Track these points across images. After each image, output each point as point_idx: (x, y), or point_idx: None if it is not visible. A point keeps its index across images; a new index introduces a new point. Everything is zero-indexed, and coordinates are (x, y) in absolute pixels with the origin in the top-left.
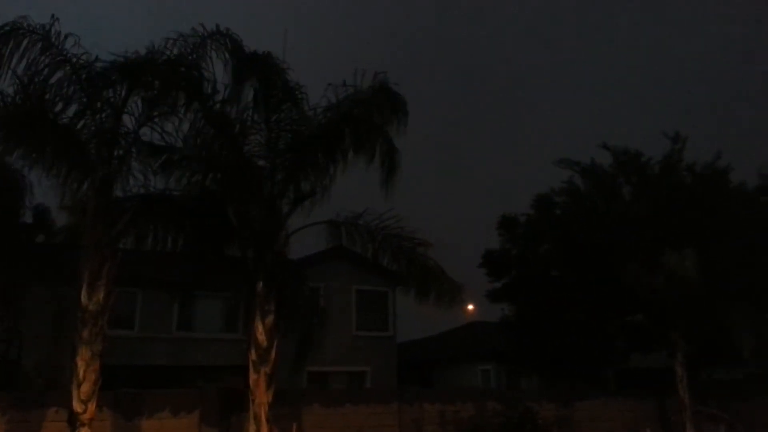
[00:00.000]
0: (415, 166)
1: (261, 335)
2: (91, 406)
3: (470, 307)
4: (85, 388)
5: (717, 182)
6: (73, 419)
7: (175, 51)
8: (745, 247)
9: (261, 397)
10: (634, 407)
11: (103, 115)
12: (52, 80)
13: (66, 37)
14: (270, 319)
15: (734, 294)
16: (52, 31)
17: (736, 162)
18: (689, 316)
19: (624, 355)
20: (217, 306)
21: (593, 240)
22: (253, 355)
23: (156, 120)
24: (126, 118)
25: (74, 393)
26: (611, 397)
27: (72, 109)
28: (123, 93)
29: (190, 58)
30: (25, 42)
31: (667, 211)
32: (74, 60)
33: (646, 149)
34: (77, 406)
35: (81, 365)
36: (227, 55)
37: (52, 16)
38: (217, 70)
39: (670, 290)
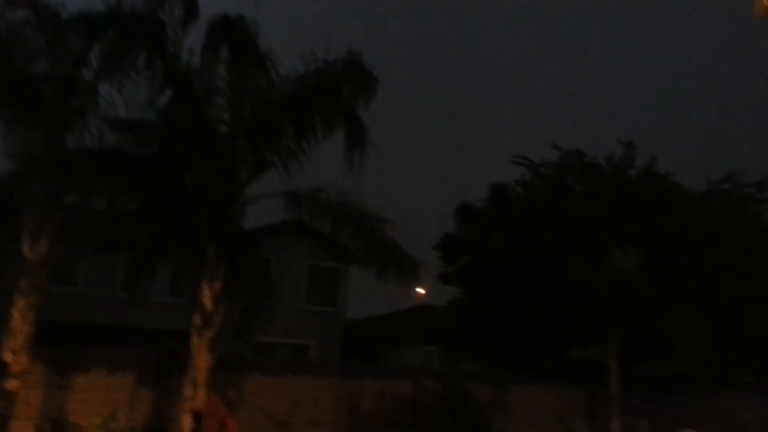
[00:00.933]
0: (380, 146)
1: (207, 300)
2: (23, 359)
3: (421, 290)
4: (19, 339)
5: (663, 186)
6: (2, 369)
7: (140, 7)
8: (685, 250)
9: (201, 362)
10: (567, 395)
11: (62, 63)
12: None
13: None
14: (218, 284)
15: (671, 295)
16: None
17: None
18: (627, 313)
19: (563, 346)
20: (165, 270)
21: (542, 234)
22: (196, 319)
23: (116, 75)
24: (86, 72)
25: (6, 343)
26: (545, 384)
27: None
28: (83, 44)
29: (154, 15)
30: None
31: (615, 210)
32: (38, 2)
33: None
34: (8, 356)
35: (16, 316)
36: (193, 15)
37: None
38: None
39: (611, 287)
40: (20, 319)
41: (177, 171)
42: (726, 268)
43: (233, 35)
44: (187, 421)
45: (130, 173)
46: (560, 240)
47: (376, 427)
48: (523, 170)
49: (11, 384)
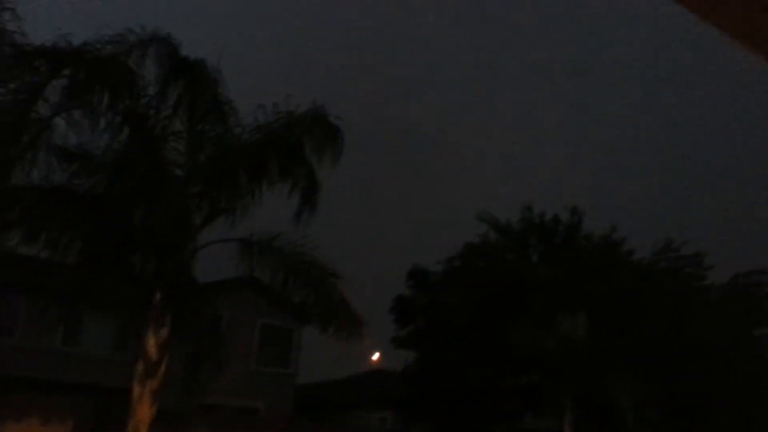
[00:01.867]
0: (337, 204)
1: (152, 348)
2: None
3: (375, 356)
4: None
5: (612, 253)
6: None
7: (109, 48)
8: (632, 317)
9: (143, 414)
10: None
11: (19, 96)
12: None
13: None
14: (164, 332)
15: (619, 362)
16: None
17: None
18: (577, 379)
19: (516, 414)
20: (108, 322)
21: (497, 296)
22: (139, 368)
23: (73, 113)
24: (42, 105)
25: None
26: None
27: None
28: (44, 78)
29: (123, 57)
30: None
31: (567, 274)
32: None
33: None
34: None
35: None
36: (160, 58)
37: None
38: (151, 73)
39: (561, 351)
40: None
41: (126, 211)
42: (668, 337)
43: (192, 79)
44: None
45: (76, 210)
46: (513, 303)
47: None
48: (480, 232)
49: None
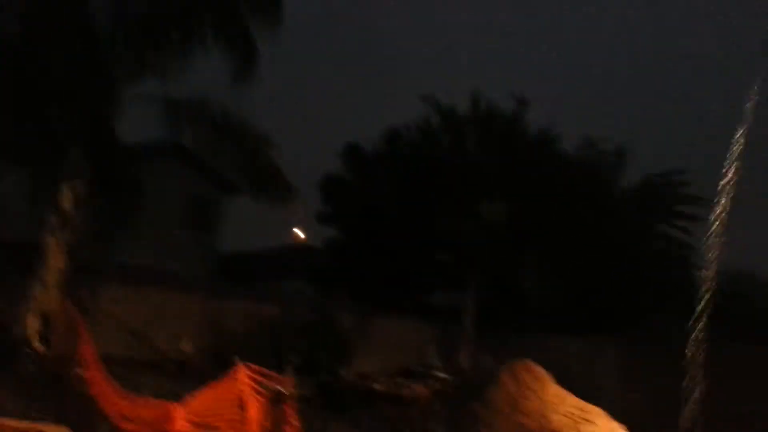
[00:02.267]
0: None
1: (66, 199)
2: None
3: (299, 232)
4: None
5: (544, 147)
6: None
7: None
8: (549, 207)
9: (55, 263)
10: (424, 329)
11: None
12: None
13: None
14: (80, 184)
15: (531, 248)
16: None
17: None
18: (489, 261)
19: (428, 289)
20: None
21: (427, 180)
22: (53, 219)
23: None
24: None
25: None
26: (406, 318)
27: None
28: None
29: None
30: None
31: (498, 164)
32: None
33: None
34: None
35: None
36: None
37: None
38: None
39: (477, 236)
40: None
41: (44, 59)
42: (577, 227)
43: None
44: (33, 323)
45: None
46: (439, 186)
47: (239, 346)
48: (420, 116)
49: None
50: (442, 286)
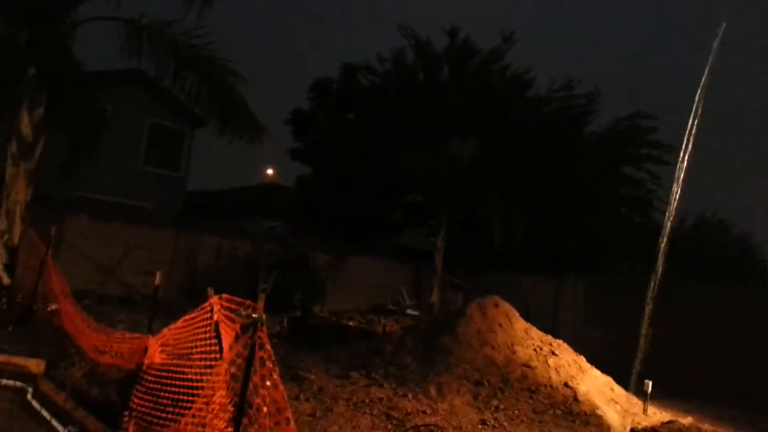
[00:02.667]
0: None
1: (26, 127)
2: None
3: (270, 171)
4: None
5: (518, 88)
6: None
7: None
8: (519, 147)
9: (18, 194)
10: (396, 269)
11: None
12: None
13: None
14: (39, 111)
15: (497, 187)
16: None
17: None
18: (458, 199)
19: (398, 228)
20: None
21: (397, 115)
22: (13, 148)
23: None
24: None
25: None
26: (378, 257)
27: None
28: None
29: None
30: None
31: (471, 102)
32: None
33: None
34: None
35: None
36: None
37: None
38: None
39: (447, 173)
40: None
41: None
42: (545, 169)
43: None
44: (0, 255)
45: None
46: (409, 122)
47: (211, 282)
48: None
49: None
50: (412, 226)
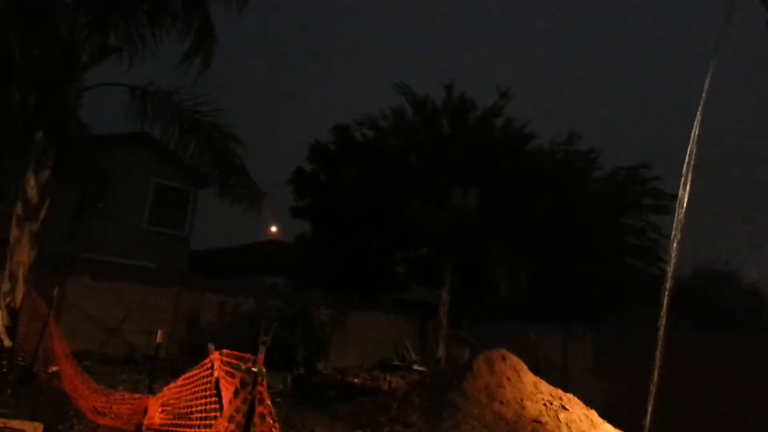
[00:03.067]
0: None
1: (32, 189)
2: None
3: (274, 228)
4: None
5: (518, 141)
6: None
7: None
8: (518, 197)
9: (22, 256)
10: (400, 323)
11: None
12: None
13: None
14: (45, 173)
15: (500, 236)
16: None
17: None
18: (462, 249)
19: (403, 284)
20: None
21: (399, 170)
22: (18, 210)
23: None
24: None
25: None
26: (382, 311)
27: None
28: None
29: None
30: None
31: (471, 155)
32: None
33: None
34: None
35: None
36: None
37: None
38: None
39: (450, 225)
40: None
41: (4, 38)
42: (549, 219)
43: None
44: (1, 318)
45: None
46: (411, 176)
47: (215, 340)
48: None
49: None
50: (417, 280)
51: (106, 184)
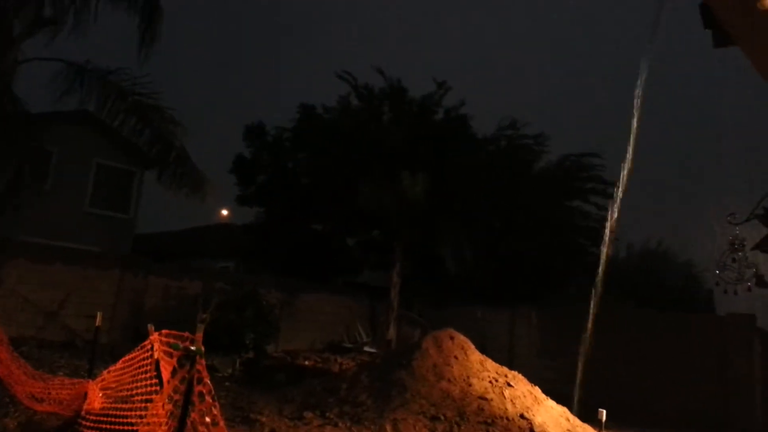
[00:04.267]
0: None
1: None
2: None
3: (224, 212)
4: None
5: (461, 124)
6: None
7: None
8: (465, 180)
9: None
10: (351, 305)
11: None
12: None
13: None
14: None
15: (447, 217)
16: None
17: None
18: (411, 234)
19: (356, 266)
20: None
21: (346, 156)
22: None
23: None
24: None
25: None
26: (333, 294)
27: None
28: None
29: None
30: None
31: (416, 140)
32: None
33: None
34: None
35: None
36: None
37: None
38: None
39: (399, 208)
40: None
41: None
42: (496, 202)
43: None
44: None
45: None
46: (360, 162)
47: (158, 324)
48: (339, 92)
49: None
50: (369, 263)
51: (46, 164)
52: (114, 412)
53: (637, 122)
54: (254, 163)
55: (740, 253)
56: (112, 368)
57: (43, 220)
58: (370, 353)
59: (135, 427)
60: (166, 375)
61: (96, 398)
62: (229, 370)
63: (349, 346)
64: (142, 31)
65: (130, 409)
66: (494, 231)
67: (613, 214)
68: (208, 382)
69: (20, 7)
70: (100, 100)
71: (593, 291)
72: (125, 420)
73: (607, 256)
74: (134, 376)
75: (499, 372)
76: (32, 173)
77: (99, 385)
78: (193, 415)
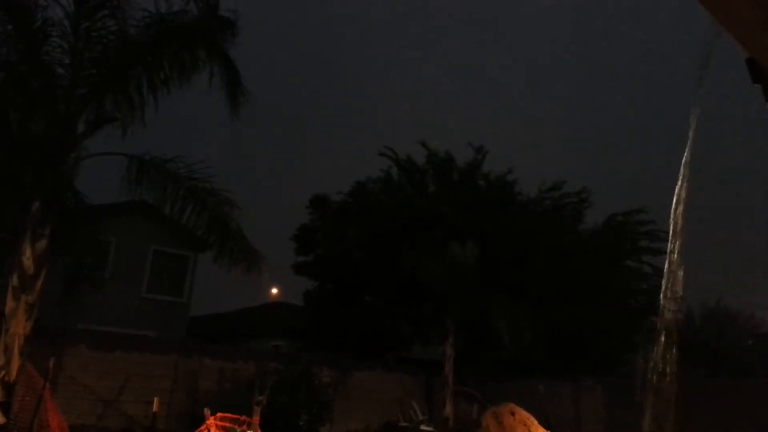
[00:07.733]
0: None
1: (28, 260)
2: None
3: (274, 290)
4: None
5: (505, 191)
6: None
7: None
8: (515, 247)
9: (17, 328)
10: (405, 382)
11: None
12: None
13: None
14: (42, 244)
15: (502, 290)
16: None
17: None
18: (462, 306)
19: (407, 342)
20: None
21: (394, 228)
22: (14, 281)
23: None
24: None
25: None
26: (386, 371)
27: None
28: None
29: None
30: None
31: (461, 209)
32: None
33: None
34: None
35: None
36: None
37: None
38: None
39: (449, 278)
40: None
41: (3, 116)
42: (544, 269)
43: None
44: None
45: None
46: (407, 233)
47: (213, 407)
48: (386, 167)
49: None
50: (421, 339)
51: (105, 254)
52: None
53: (684, 186)
54: (313, 233)
55: None
56: None
57: (102, 308)
58: (428, 431)
59: None
60: None
61: None
62: None
63: (406, 425)
64: (232, 99)
65: None
66: (546, 299)
67: (674, 274)
68: None
69: (83, 108)
70: (159, 189)
71: (661, 362)
72: None
73: (671, 321)
74: None
75: None
76: (91, 263)
77: None
78: None
